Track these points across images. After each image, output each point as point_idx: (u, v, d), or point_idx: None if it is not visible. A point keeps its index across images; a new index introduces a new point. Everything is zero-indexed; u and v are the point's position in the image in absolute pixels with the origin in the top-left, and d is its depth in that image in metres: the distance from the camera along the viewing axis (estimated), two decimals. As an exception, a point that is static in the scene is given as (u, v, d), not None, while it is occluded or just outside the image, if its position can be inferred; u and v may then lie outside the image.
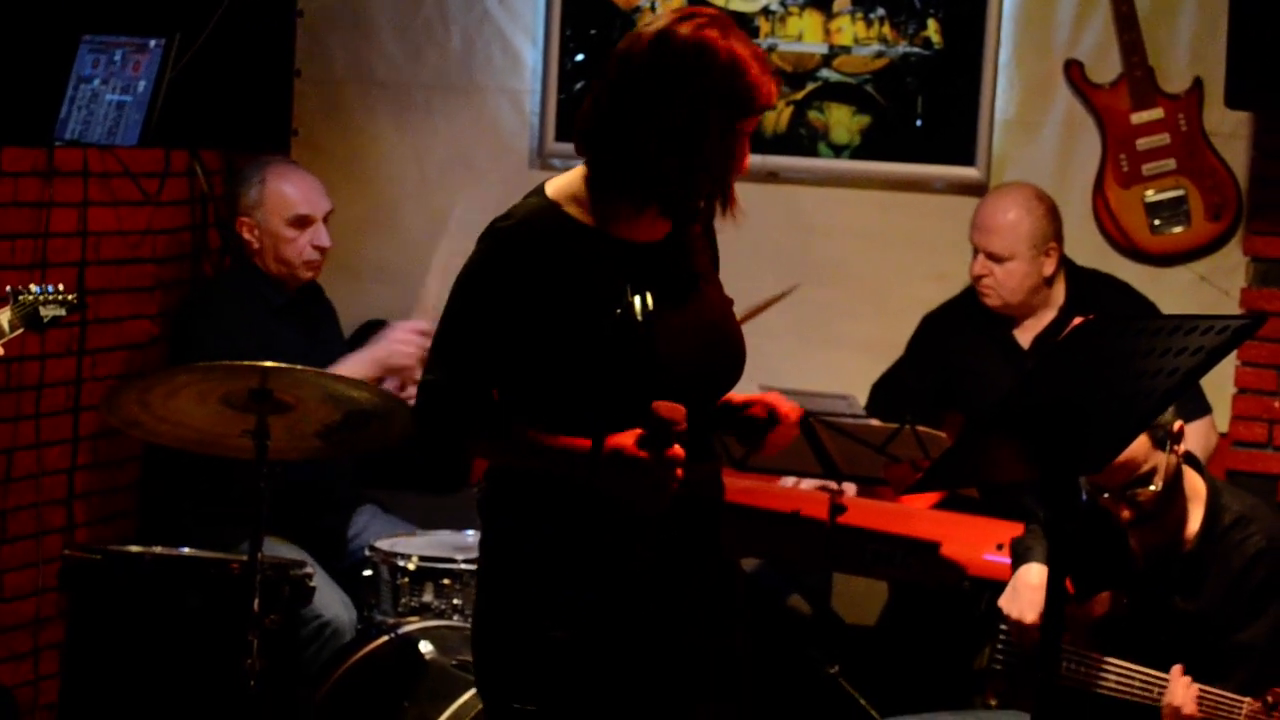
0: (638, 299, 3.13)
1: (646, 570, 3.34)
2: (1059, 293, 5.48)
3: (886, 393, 5.61)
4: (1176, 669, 4.16)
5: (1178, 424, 4.22)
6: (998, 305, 5.46)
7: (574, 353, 3.28)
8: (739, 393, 3.47)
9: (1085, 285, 5.50)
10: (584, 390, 3.30)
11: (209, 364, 4.49)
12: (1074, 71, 5.80)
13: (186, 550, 4.83)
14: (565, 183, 3.39)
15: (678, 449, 3.21)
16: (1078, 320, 3.07)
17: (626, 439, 3.22)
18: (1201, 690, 4.13)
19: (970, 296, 5.55)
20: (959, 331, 5.57)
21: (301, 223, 5.47)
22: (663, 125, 3.25)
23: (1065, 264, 5.50)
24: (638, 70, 3.27)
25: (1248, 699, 4.11)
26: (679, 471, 3.23)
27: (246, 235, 5.49)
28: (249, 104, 6.18)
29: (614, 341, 3.22)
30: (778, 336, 5.69)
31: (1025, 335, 5.47)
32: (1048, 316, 5.46)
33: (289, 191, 5.50)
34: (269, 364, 4.39)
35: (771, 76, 3.29)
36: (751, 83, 3.25)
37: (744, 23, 6.00)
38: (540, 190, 3.39)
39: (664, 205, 3.31)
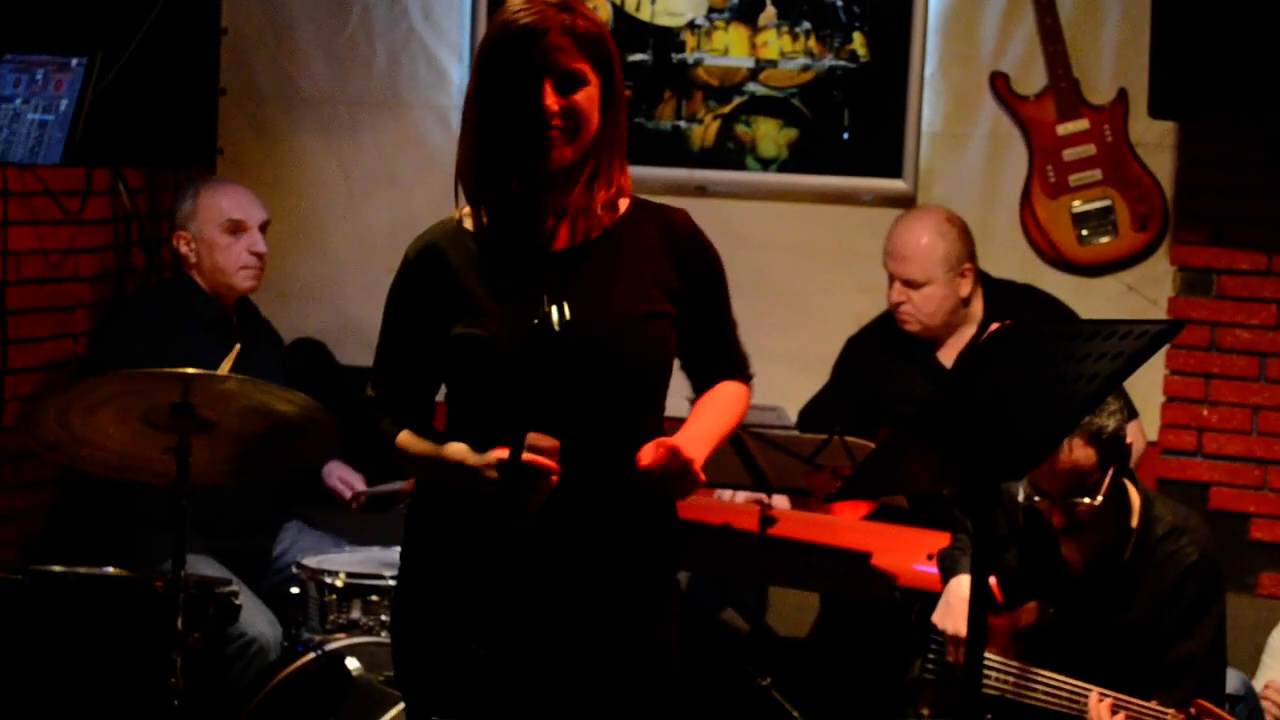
0: (555, 309, 3.10)
1: (547, 585, 3.32)
2: (977, 309, 5.47)
3: (814, 417, 5.57)
4: (1094, 695, 4.15)
5: (1129, 440, 4.21)
6: (917, 330, 5.45)
7: (478, 359, 3.29)
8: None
9: (1002, 297, 5.50)
10: (491, 395, 3.30)
11: (129, 372, 4.45)
12: (999, 83, 5.81)
13: (110, 570, 4.80)
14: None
15: (546, 465, 3.18)
16: (994, 326, 3.05)
17: (490, 456, 3.21)
18: (1116, 700, 4.12)
19: (891, 320, 5.52)
20: (881, 355, 5.54)
21: (235, 229, 5.49)
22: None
23: (982, 278, 5.50)
24: None
25: (1171, 710, 4.10)
26: (541, 489, 3.19)
27: (184, 249, 5.50)
28: (173, 122, 6.13)
29: (528, 352, 3.19)
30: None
31: (948, 355, 5.44)
32: (968, 333, 5.43)
33: (222, 200, 5.53)
34: (191, 370, 4.36)
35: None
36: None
37: (669, 37, 5.99)
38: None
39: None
